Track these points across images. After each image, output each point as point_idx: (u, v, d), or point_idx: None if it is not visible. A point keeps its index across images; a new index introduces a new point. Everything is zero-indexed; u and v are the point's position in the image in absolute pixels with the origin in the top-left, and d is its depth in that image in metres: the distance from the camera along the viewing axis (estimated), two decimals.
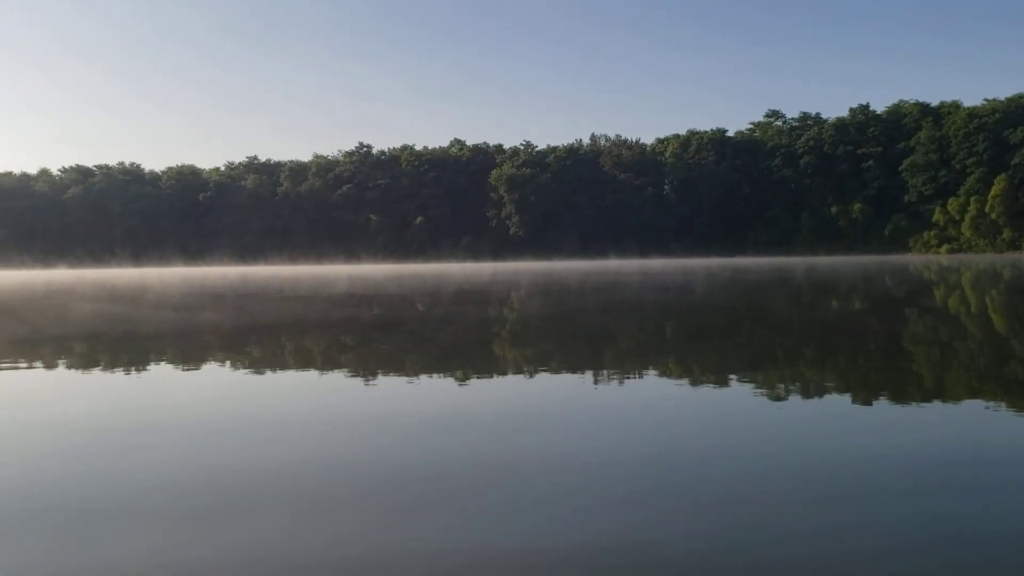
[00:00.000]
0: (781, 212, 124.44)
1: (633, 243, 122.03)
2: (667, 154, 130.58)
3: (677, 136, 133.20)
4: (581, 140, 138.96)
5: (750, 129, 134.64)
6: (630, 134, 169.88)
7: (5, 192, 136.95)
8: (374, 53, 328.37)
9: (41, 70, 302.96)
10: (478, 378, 8.22)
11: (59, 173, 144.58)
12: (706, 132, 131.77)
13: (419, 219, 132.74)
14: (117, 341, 12.88)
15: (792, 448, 5.06)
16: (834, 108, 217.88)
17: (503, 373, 8.72)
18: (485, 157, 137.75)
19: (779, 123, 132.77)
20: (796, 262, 74.41)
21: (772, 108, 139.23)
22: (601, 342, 11.78)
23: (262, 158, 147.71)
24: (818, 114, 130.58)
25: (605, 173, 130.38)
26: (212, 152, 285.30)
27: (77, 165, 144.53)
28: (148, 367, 9.47)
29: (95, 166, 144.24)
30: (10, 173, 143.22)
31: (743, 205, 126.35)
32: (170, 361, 10.11)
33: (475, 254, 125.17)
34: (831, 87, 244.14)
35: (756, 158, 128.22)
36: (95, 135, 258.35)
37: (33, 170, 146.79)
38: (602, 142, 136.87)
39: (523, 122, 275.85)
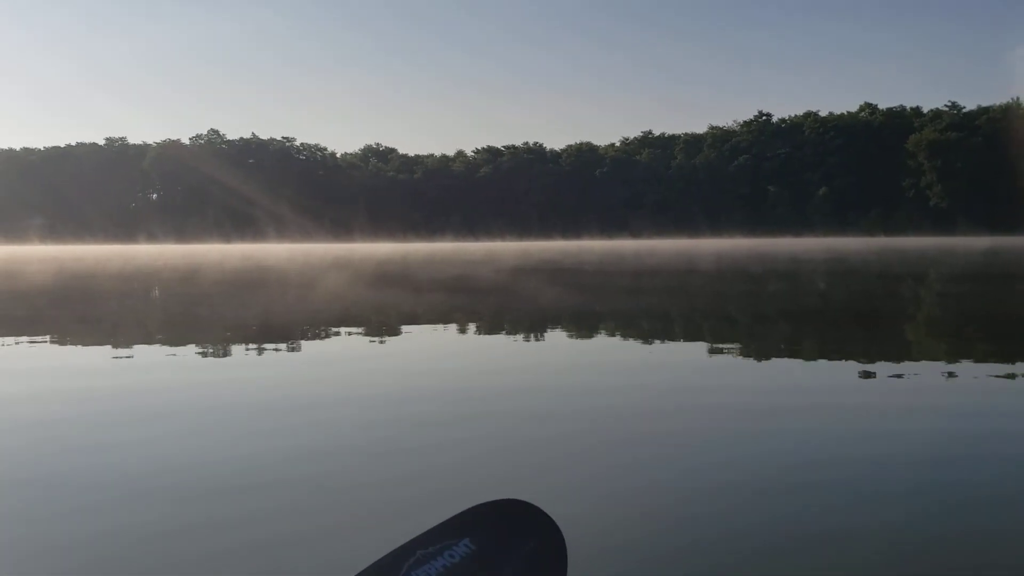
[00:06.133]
0: None
1: None
2: None
3: None
4: (1020, 99, 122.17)
5: None
6: None
7: (429, 171, 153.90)
8: (770, 19, 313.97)
9: (443, 69, 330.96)
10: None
11: (472, 154, 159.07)
12: None
13: (823, 190, 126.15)
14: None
15: None
16: None
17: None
18: (900, 121, 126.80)
19: None
20: None
21: None
22: None
23: (656, 132, 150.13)
24: None
25: None
26: (609, 129, 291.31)
27: (488, 146, 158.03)
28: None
29: (503, 147, 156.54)
30: (432, 155, 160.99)
31: None
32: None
33: (886, 227, 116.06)
34: None
35: None
36: (503, 119, 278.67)
37: (451, 152, 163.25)
38: None
39: (942, 80, 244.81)
